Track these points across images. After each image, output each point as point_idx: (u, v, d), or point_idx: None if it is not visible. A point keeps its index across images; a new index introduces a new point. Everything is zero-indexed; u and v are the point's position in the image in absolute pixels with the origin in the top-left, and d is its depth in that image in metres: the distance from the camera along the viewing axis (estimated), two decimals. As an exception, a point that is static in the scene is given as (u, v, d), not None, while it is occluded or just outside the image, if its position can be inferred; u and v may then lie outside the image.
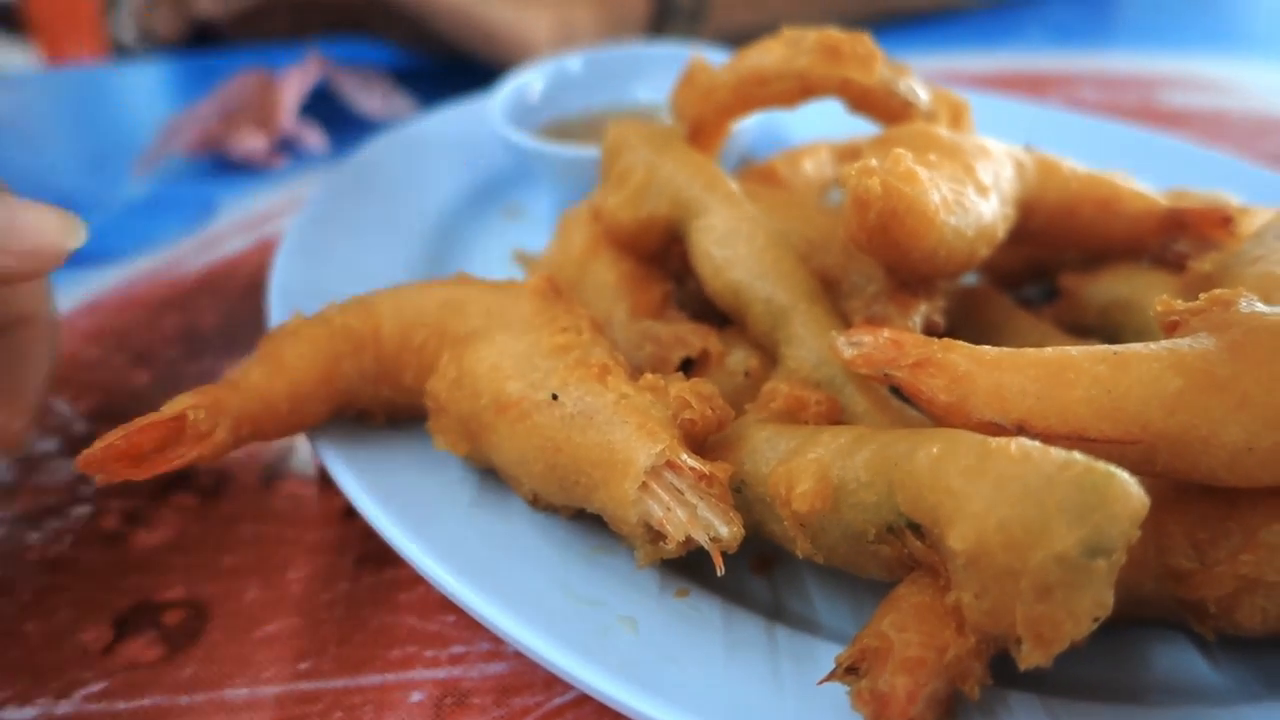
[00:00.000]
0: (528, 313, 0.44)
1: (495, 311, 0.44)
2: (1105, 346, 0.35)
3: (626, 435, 0.37)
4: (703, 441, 0.39)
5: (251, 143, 0.89)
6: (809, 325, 0.43)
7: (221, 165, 0.90)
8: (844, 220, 0.41)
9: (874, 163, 0.39)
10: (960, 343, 0.37)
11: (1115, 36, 1.04)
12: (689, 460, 0.36)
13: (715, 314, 0.48)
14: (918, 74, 0.52)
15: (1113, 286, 0.50)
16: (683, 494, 0.36)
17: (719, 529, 0.35)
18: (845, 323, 0.44)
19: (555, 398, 0.39)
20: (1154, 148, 0.66)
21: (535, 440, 0.39)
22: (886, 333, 0.39)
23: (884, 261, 0.43)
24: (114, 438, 0.41)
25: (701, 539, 0.35)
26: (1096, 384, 0.33)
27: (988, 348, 0.36)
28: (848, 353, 0.39)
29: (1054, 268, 0.54)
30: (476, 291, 0.46)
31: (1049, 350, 0.35)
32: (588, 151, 0.64)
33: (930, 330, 0.45)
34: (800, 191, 0.55)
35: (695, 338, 0.46)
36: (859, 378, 0.41)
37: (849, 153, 0.64)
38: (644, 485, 0.36)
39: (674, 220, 0.48)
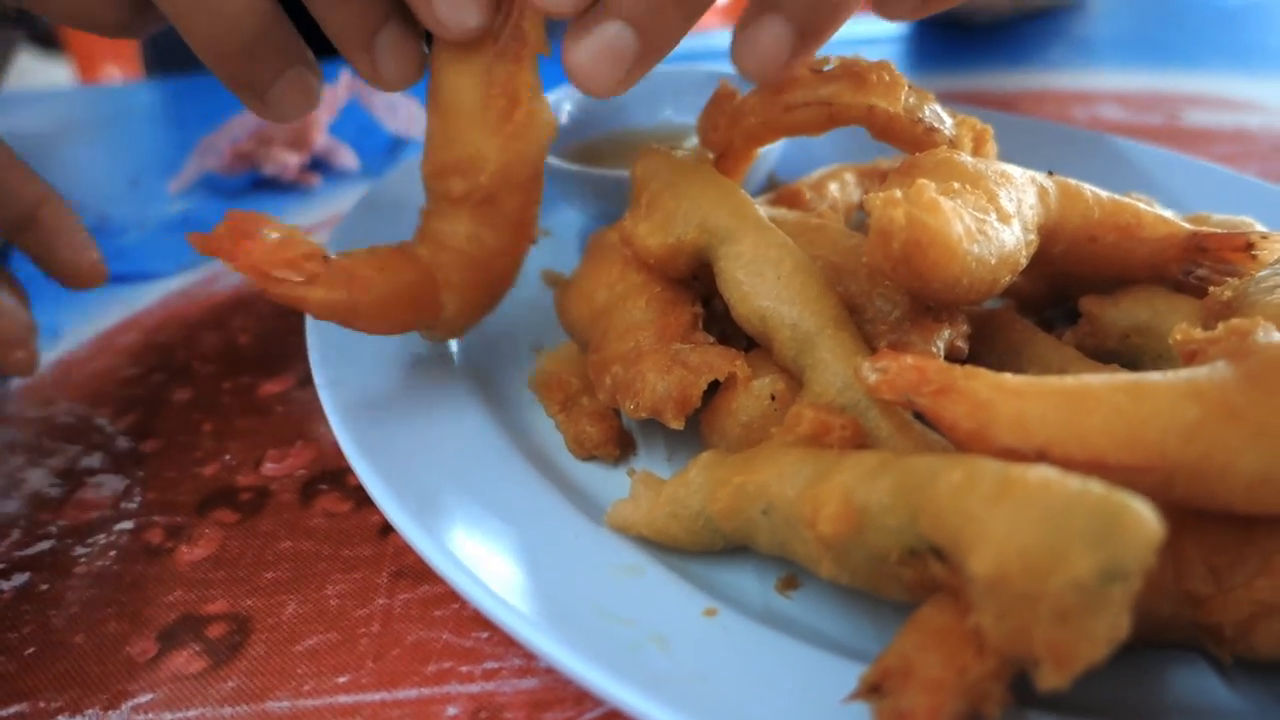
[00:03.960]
0: None
1: None
2: (1125, 375, 0.36)
3: None
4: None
5: (285, 161, 0.91)
6: (834, 351, 0.44)
7: (255, 184, 0.92)
8: (868, 249, 0.42)
9: (897, 193, 0.40)
10: (982, 370, 0.38)
11: (1139, 54, 1.04)
12: None
13: (743, 333, 0.50)
14: (941, 98, 0.53)
15: (1133, 311, 0.50)
16: None
17: None
18: (870, 348, 0.45)
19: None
20: (1178, 168, 0.67)
21: None
22: (910, 359, 0.40)
23: (908, 289, 0.44)
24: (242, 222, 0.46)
25: None
26: (1115, 412, 0.34)
27: (1009, 375, 0.37)
28: (871, 379, 0.40)
29: (1076, 291, 0.55)
30: None
31: (1069, 379, 0.36)
32: (616, 173, 0.65)
33: (953, 355, 0.46)
34: (825, 216, 0.56)
35: (722, 362, 0.47)
36: (883, 403, 0.42)
37: (874, 175, 0.65)
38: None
39: (702, 246, 0.49)
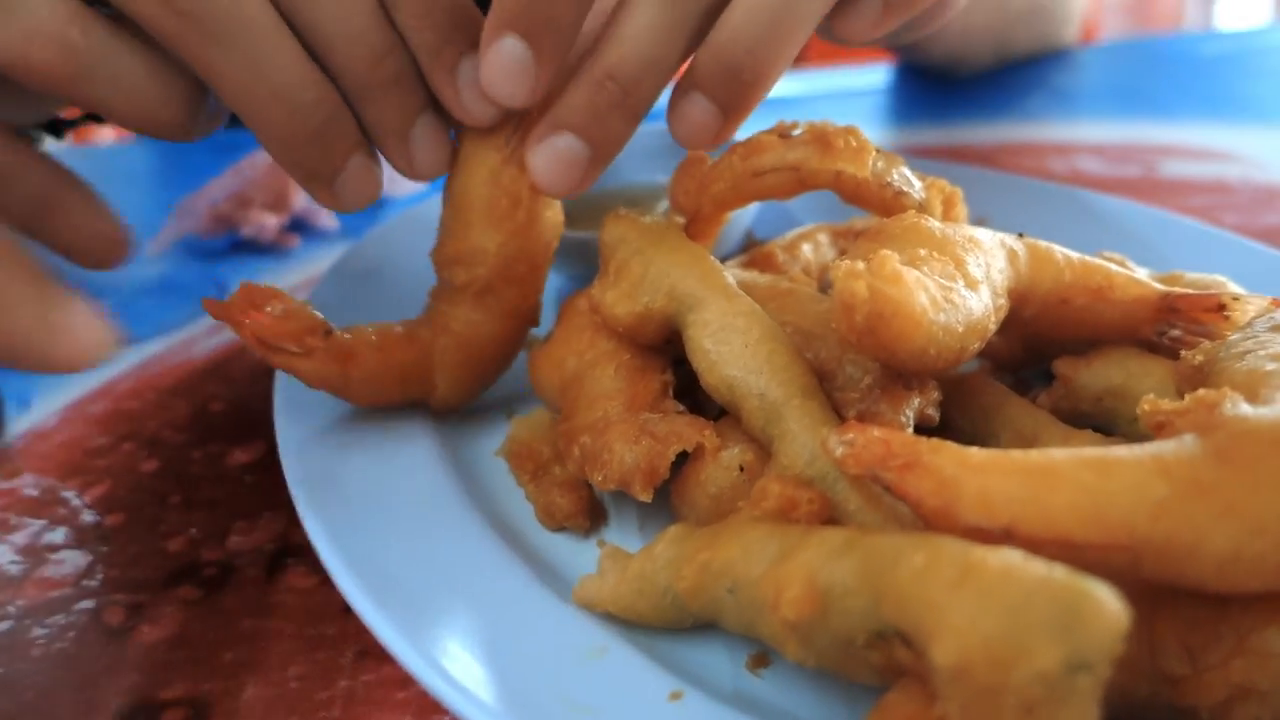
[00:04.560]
0: None
1: None
2: (1091, 450, 0.35)
3: None
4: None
5: (263, 222, 0.91)
6: (802, 421, 0.43)
7: (234, 245, 0.92)
8: (833, 320, 0.41)
9: (860, 264, 0.40)
10: (948, 445, 0.37)
11: (1117, 104, 1.05)
12: None
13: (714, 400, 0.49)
14: (920, 151, 0.53)
15: (1107, 373, 0.50)
16: None
17: None
18: (840, 417, 0.44)
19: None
20: (1153, 223, 0.67)
21: None
22: (876, 432, 0.39)
23: (875, 359, 0.44)
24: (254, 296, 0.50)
25: None
26: (1081, 490, 0.34)
27: (975, 450, 0.37)
28: (838, 451, 0.39)
29: (1051, 352, 0.54)
30: None
31: (1035, 454, 0.35)
32: (590, 235, 0.65)
33: (924, 424, 0.45)
34: (797, 279, 0.56)
35: (690, 432, 0.46)
36: (851, 475, 0.41)
37: (848, 235, 0.65)
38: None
39: (670, 314, 0.49)
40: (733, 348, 0.46)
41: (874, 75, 1.21)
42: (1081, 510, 0.33)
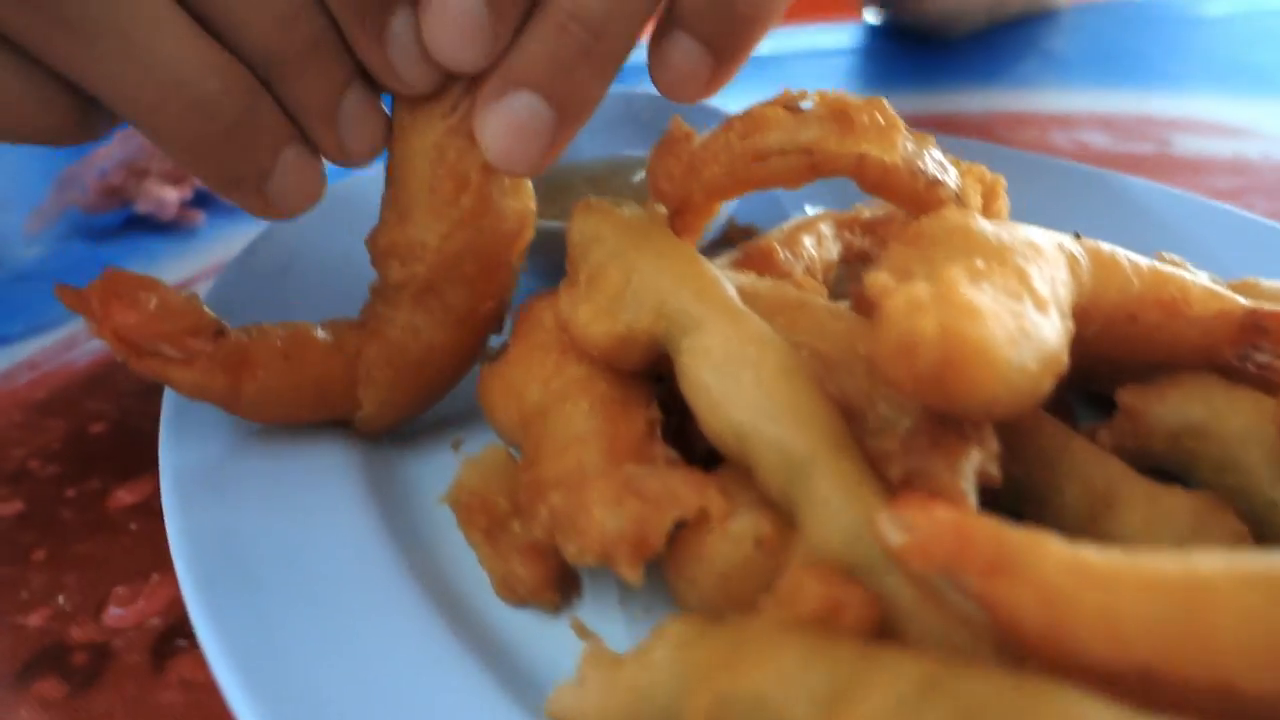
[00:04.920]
0: None
1: None
2: (1253, 562, 0.26)
3: None
4: None
5: (162, 196, 0.78)
6: (836, 485, 0.34)
7: (128, 222, 0.79)
8: (878, 357, 0.32)
9: (920, 290, 0.30)
10: (1049, 540, 0.28)
11: (1117, 71, 0.97)
12: None
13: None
14: (911, 120, 0.43)
15: (1185, 408, 0.41)
16: None
17: None
18: (878, 476, 0.35)
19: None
20: (1200, 215, 0.58)
21: None
22: (944, 513, 0.30)
23: (926, 405, 0.34)
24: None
25: None
26: (1248, 620, 0.25)
27: (1091, 552, 0.28)
28: (894, 539, 0.30)
29: (1104, 372, 0.45)
30: None
31: (1175, 562, 0.27)
32: (553, 225, 0.54)
33: (984, 485, 0.36)
34: (804, 284, 0.46)
35: (690, 493, 0.36)
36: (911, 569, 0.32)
37: (854, 225, 0.56)
38: None
39: (658, 335, 0.39)
40: (742, 385, 0.36)
41: (847, 34, 1.11)
42: (1250, 646, 0.25)
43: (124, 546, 0.48)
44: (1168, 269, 0.42)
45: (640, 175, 0.69)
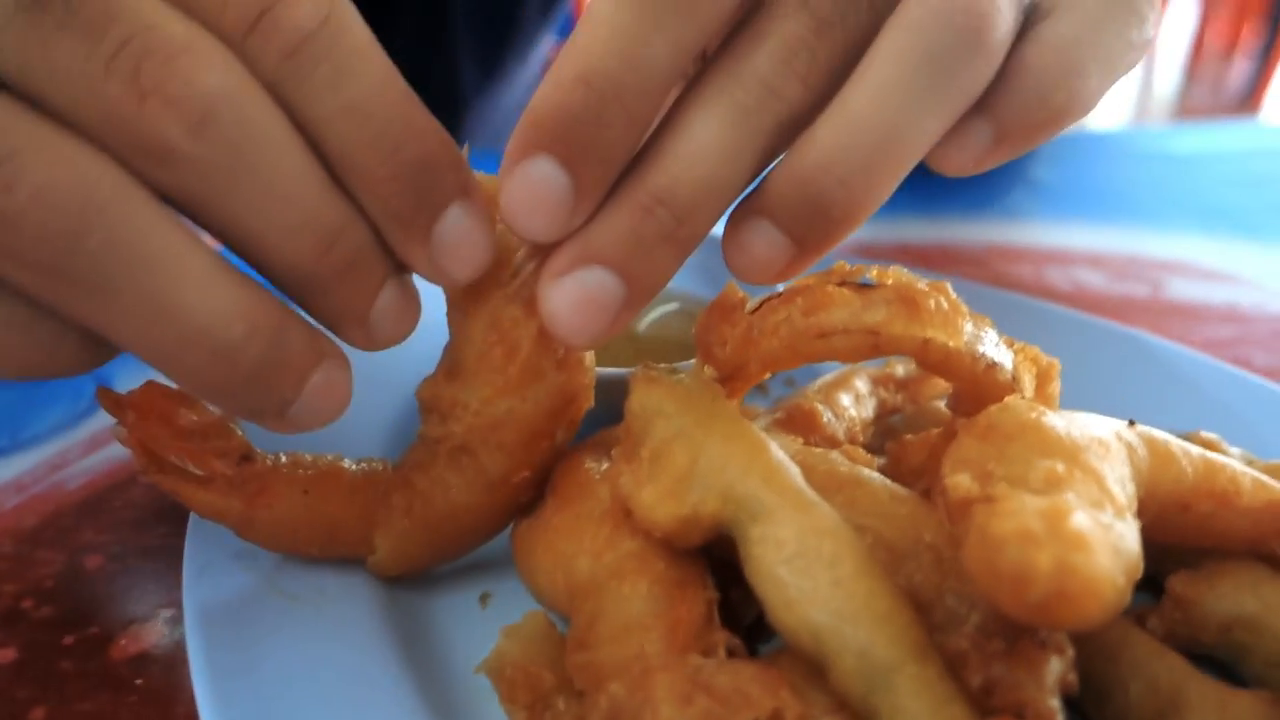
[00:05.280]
0: None
1: None
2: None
3: None
4: None
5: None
6: (922, 698, 0.33)
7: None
8: (973, 571, 0.32)
9: (1032, 520, 0.30)
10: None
11: (1105, 208, 1.00)
12: None
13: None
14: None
15: (1238, 599, 0.42)
16: None
17: None
18: (962, 686, 0.35)
19: None
20: (1232, 387, 0.59)
21: None
22: (1047, 742, 0.30)
23: (1019, 621, 0.34)
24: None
25: None
26: None
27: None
28: (995, 768, 0.30)
29: (1147, 556, 0.46)
30: None
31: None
32: (617, 372, 0.51)
33: (1065, 691, 0.36)
34: (855, 456, 0.46)
35: (762, 693, 0.35)
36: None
37: (888, 383, 0.56)
38: None
39: (724, 520, 0.38)
40: (818, 583, 0.35)
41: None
42: None
43: (130, 707, 0.45)
44: (1219, 459, 0.43)
45: (652, 316, 0.68)
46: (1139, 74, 3.95)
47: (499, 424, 0.43)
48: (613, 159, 0.37)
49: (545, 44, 1.29)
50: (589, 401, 0.45)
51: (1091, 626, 0.31)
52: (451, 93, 1.20)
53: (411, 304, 0.40)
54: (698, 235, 0.39)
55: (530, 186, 0.36)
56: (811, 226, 0.39)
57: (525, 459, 0.44)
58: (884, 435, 0.55)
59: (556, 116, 0.35)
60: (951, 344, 0.41)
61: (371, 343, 0.39)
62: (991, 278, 0.79)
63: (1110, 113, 3.66)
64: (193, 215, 0.35)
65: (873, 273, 0.44)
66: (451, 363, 0.44)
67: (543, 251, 0.40)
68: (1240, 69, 4.26)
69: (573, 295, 0.38)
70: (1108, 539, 0.32)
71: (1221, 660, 0.43)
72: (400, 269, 0.39)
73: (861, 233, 0.43)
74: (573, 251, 0.38)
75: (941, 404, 0.57)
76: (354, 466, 0.46)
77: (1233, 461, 0.43)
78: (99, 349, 0.36)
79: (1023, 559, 0.29)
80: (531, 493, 0.46)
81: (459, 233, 0.38)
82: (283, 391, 0.36)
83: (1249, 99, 4.12)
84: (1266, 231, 0.94)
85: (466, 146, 0.40)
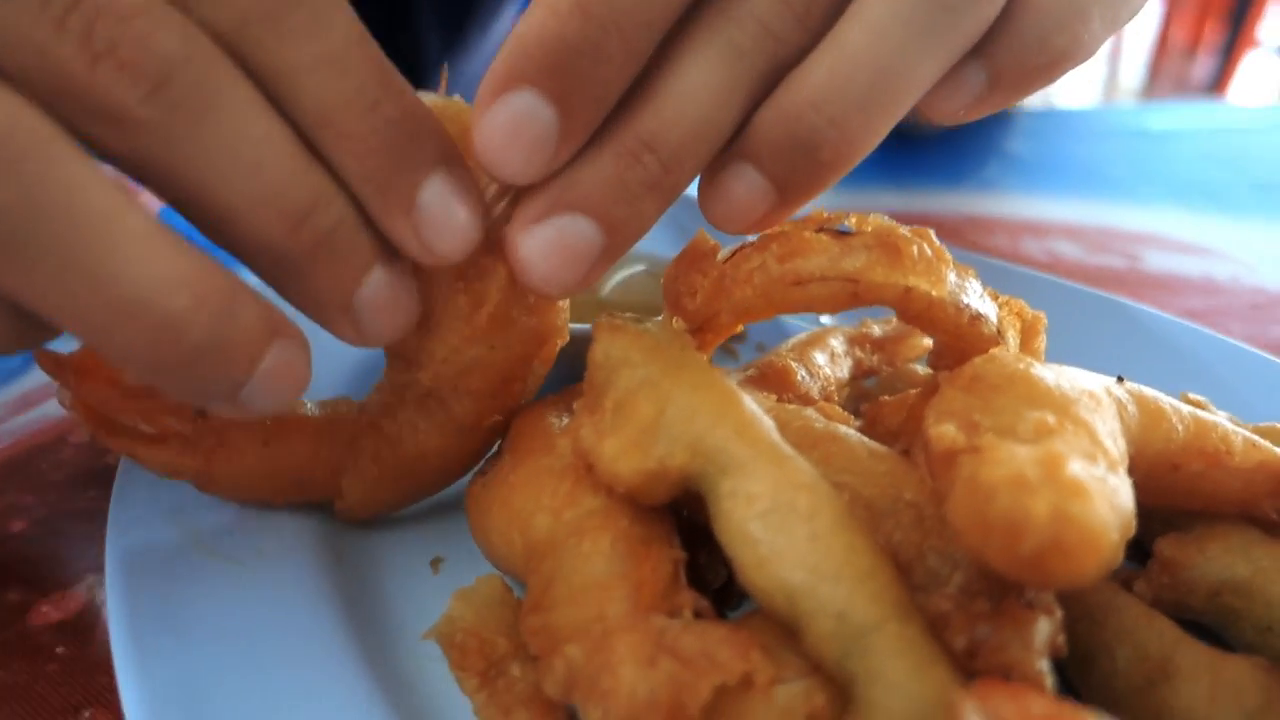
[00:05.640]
0: None
1: None
2: None
3: None
4: None
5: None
6: (902, 659, 0.31)
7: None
8: (960, 525, 0.29)
9: (1027, 465, 0.28)
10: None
11: (1080, 182, 0.98)
12: None
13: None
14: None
15: (1227, 563, 0.40)
16: None
17: None
18: (944, 646, 0.32)
19: None
20: (1218, 351, 0.58)
21: None
22: (1040, 706, 0.27)
23: (1007, 577, 0.32)
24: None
25: None
26: None
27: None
28: (984, 733, 0.27)
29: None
30: None
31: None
32: (580, 328, 0.47)
33: (1053, 655, 0.33)
34: (829, 413, 0.43)
35: (731, 655, 0.33)
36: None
37: (863, 341, 0.53)
38: None
39: (692, 474, 0.36)
40: (794, 540, 0.33)
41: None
42: None
43: (49, 676, 0.42)
44: (1209, 418, 0.41)
45: (618, 279, 0.66)
46: (1104, 67, 3.98)
47: (467, 371, 0.41)
48: (604, 98, 0.34)
49: (508, 16, 1.26)
50: (563, 338, 0.43)
51: (1085, 583, 0.29)
52: (415, 65, 1.17)
53: (404, 293, 0.36)
54: (682, 183, 0.36)
55: (511, 121, 0.33)
56: (796, 169, 0.36)
57: (496, 403, 0.42)
58: (857, 399, 0.53)
59: (548, 46, 0.32)
60: (934, 293, 0.39)
61: (362, 336, 0.35)
62: (967, 249, 0.77)
63: (1077, 102, 3.68)
64: (155, 188, 0.32)
65: (851, 220, 0.41)
66: (425, 307, 0.41)
67: (513, 192, 0.38)
68: (1203, 64, 4.31)
69: (548, 243, 0.35)
70: (1104, 490, 0.30)
71: (1207, 626, 0.41)
72: (390, 255, 0.35)
73: (833, 203, 0.40)
74: (551, 196, 0.35)
75: (918, 367, 0.55)
76: (316, 411, 0.44)
77: (1224, 421, 0.42)
78: (33, 328, 0.32)
79: (1016, 507, 0.27)
80: (491, 441, 0.44)
81: (446, 201, 0.34)
82: (233, 372, 0.31)
83: (1211, 93, 4.17)
84: (1239, 206, 0.93)
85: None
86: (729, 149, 0.37)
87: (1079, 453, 0.32)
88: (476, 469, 0.44)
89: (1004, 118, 1.10)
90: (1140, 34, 4.21)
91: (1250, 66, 4.12)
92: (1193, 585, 0.40)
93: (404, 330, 0.36)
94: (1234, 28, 4.26)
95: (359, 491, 0.44)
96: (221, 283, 0.30)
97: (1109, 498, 0.30)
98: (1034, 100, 1.14)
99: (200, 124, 0.30)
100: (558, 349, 0.43)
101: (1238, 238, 0.85)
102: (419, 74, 1.18)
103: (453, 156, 0.35)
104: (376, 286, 0.34)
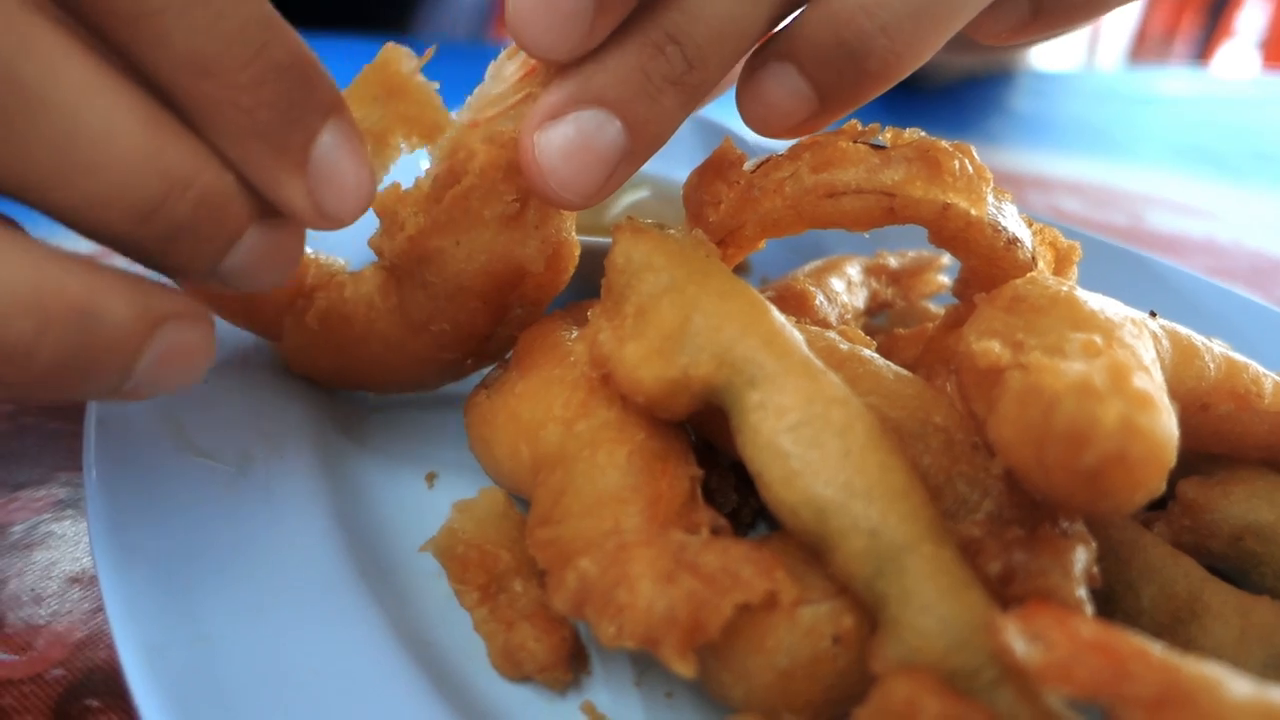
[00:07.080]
0: None
1: None
2: None
3: None
4: None
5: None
6: (937, 580, 0.29)
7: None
8: (1006, 439, 0.28)
9: (1094, 374, 0.26)
10: (1231, 677, 0.24)
11: (1082, 141, 0.97)
12: None
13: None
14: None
15: (1251, 507, 0.39)
16: None
17: None
18: (978, 571, 0.31)
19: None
20: (1230, 303, 0.57)
21: None
22: (1089, 629, 0.26)
23: (1060, 502, 0.30)
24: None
25: None
26: None
27: (1273, 689, 0.24)
28: (1025, 654, 0.26)
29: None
30: None
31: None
32: (593, 240, 0.45)
33: (1089, 585, 0.32)
34: (852, 337, 0.42)
35: (755, 574, 0.31)
36: (1039, 684, 0.27)
37: (880, 272, 0.52)
38: None
39: (717, 386, 0.34)
40: (826, 454, 0.31)
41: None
42: None
43: (15, 570, 0.39)
44: (1242, 359, 0.40)
45: (623, 203, 0.63)
46: (1083, 56, 3.98)
47: (426, 260, 0.39)
48: None
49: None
50: (557, 281, 0.40)
51: (1136, 505, 0.28)
52: None
53: (282, 243, 0.32)
54: (707, 83, 0.34)
55: None
56: (841, 76, 0.35)
57: (448, 310, 0.40)
58: (869, 334, 0.51)
59: None
60: (974, 212, 0.37)
61: (221, 306, 0.34)
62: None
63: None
64: None
65: (887, 134, 0.39)
66: (422, 182, 0.38)
67: (530, 86, 0.35)
68: (1180, 54, 4.32)
69: (568, 141, 0.33)
70: (1168, 406, 0.29)
71: (1225, 572, 0.40)
72: (265, 209, 0.31)
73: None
74: (570, 89, 0.33)
75: (931, 305, 0.53)
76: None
77: (1253, 364, 0.40)
78: None
79: (1082, 414, 0.25)
80: (454, 353, 0.42)
81: (342, 154, 0.30)
82: (98, 385, 0.28)
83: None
84: (1239, 173, 0.92)
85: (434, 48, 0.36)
86: (770, 47, 0.35)
87: (1139, 369, 0.31)
88: (477, 383, 0.42)
89: (1006, 76, 1.09)
90: (1119, 25, 4.22)
91: (1225, 57, 4.14)
92: (1214, 528, 0.39)
93: (285, 277, 0.33)
94: (1212, 19, 4.27)
95: (295, 340, 0.42)
96: (74, 294, 0.26)
97: (1172, 415, 0.29)
98: (1031, 61, 1.13)
99: (25, 127, 0.26)
100: (546, 293, 0.41)
101: (1238, 203, 0.84)
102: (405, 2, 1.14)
103: (340, 102, 0.31)
104: (247, 249, 0.30)
